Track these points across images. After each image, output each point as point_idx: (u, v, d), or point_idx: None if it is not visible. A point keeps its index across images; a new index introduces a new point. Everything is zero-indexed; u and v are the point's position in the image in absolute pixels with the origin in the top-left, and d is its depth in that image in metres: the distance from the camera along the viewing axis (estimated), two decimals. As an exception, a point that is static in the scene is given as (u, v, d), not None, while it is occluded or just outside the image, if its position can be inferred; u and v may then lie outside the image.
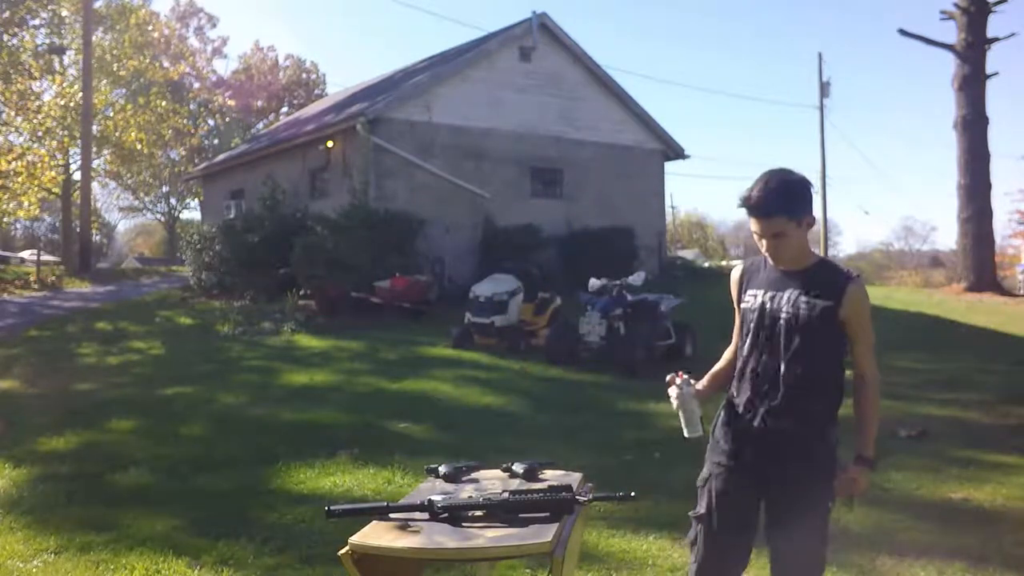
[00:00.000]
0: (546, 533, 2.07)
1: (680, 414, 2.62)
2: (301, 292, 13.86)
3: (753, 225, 2.49)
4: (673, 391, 2.63)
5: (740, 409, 2.59)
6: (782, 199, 2.44)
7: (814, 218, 2.54)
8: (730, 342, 2.75)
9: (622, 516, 4.70)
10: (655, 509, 4.82)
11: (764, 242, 2.51)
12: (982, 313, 15.25)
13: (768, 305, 2.55)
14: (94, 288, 19.86)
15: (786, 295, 2.53)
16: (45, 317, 14.51)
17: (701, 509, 2.64)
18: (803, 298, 2.49)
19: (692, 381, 2.63)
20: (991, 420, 7.38)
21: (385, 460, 5.84)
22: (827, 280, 2.50)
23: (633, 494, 2.44)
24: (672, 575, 4.00)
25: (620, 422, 7.38)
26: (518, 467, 2.62)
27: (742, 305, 2.65)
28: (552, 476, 2.68)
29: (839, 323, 2.48)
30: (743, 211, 2.49)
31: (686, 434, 2.61)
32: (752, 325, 2.59)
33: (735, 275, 2.72)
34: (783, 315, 2.51)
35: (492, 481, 2.62)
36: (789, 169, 2.52)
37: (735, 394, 2.64)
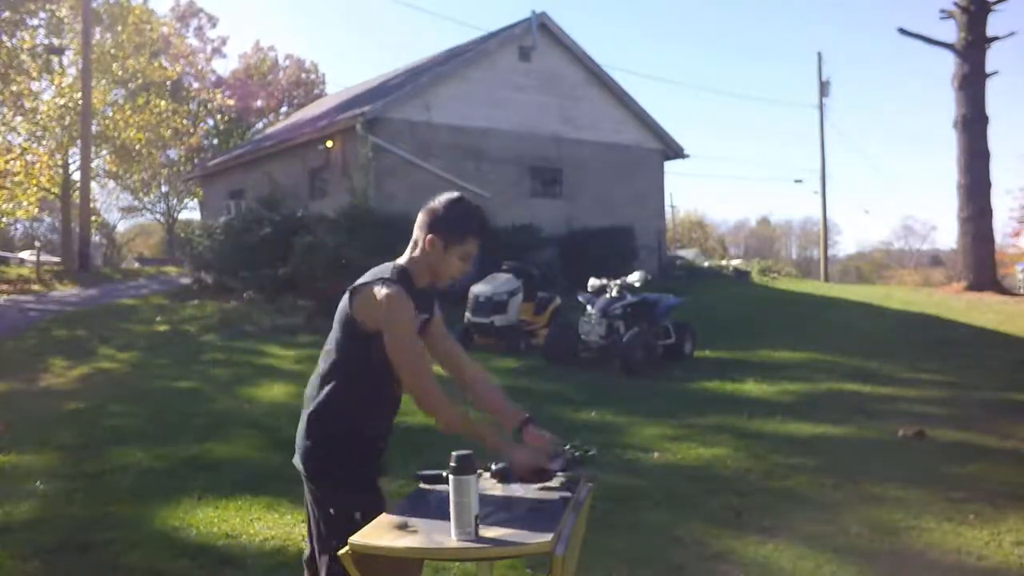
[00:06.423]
0: (546, 532, 2.07)
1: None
2: (300, 292, 13.85)
3: (473, 248, 2.50)
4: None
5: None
6: None
7: None
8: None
9: (621, 516, 4.70)
10: (654, 509, 4.82)
11: (466, 263, 2.52)
12: (982, 312, 15.22)
13: None
14: (92, 289, 19.82)
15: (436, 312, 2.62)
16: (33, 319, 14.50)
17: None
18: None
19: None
20: (991, 420, 7.37)
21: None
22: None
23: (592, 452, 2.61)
24: (671, 574, 4.00)
25: (620, 422, 7.38)
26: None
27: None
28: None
29: None
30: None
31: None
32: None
33: (408, 298, 2.39)
34: None
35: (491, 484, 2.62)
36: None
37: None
